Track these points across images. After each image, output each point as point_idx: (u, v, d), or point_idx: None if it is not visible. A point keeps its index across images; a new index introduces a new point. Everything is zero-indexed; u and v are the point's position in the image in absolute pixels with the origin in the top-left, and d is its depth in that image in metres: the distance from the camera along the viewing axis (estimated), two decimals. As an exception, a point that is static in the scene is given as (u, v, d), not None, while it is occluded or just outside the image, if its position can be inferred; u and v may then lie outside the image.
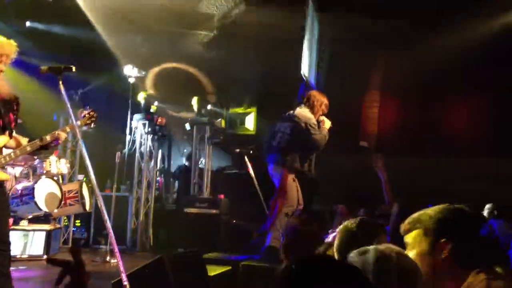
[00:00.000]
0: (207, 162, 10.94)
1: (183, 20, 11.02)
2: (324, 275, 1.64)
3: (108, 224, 4.31)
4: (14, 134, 4.55)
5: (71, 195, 8.45)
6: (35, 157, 7.92)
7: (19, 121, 4.65)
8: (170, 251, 7.99)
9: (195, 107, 10.91)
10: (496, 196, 8.45)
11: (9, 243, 4.44)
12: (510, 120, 11.24)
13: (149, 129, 10.34)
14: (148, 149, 10.41)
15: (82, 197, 8.56)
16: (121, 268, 4.06)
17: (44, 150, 5.08)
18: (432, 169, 11.49)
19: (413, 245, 2.32)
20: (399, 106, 13.06)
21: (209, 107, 10.96)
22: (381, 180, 6.28)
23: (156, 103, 10.58)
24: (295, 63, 10.15)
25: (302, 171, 6.87)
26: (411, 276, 2.05)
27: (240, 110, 11.27)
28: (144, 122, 10.31)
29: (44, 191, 7.67)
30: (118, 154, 8.87)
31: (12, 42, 4.38)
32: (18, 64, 4.42)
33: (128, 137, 10.20)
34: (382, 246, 2.13)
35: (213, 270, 5.66)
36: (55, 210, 7.93)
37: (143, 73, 10.43)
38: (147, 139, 10.40)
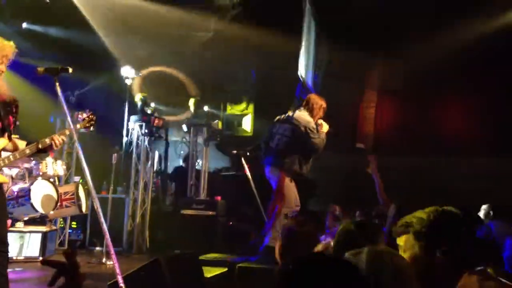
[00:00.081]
0: (204, 163, 10.92)
1: (180, 21, 11.02)
2: (323, 275, 1.63)
3: (104, 226, 4.30)
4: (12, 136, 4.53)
5: (67, 197, 8.43)
6: (31, 158, 7.90)
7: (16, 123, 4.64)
8: (167, 252, 7.98)
9: (192, 109, 10.90)
10: (495, 196, 8.47)
11: (8, 244, 4.44)
12: (508, 120, 11.26)
13: (146, 131, 10.31)
14: (144, 150, 10.39)
15: (78, 199, 8.54)
16: (117, 270, 4.05)
17: (42, 153, 5.07)
18: (430, 169, 11.51)
19: (406, 248, 2.33)
20: (396, 106, 13.08)
21: (206, 108, 10.95)
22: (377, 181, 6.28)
23: (152, 104, 10.56)
24: (292, 64, 10.17)
25: (300, 173, 6.87)
26: (404, 277, 2.05)
27: (237, 111, 11.27)
28: (141, 123, 10.29)
29: (40, 192, 7.65)
30: (114, 155, 8.85)
31: (11, 43, 4.37)
32: (14, 65, 4.40)
33: (124, 139, 10.19)
34: (375, 247, 2.13)
35: (210, 272, 5.65)
36: (51, 212, 7.91)
37: (140, 74, 10.43)
38: (144, 141, 10.38)
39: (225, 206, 9.96)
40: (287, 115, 7.12)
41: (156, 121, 10.35)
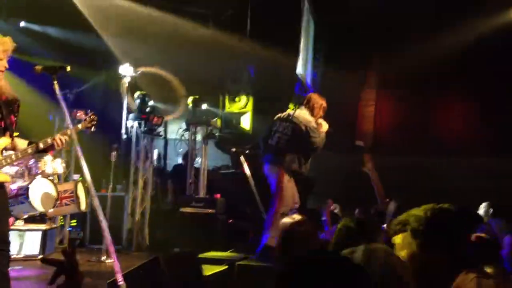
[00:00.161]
0: (203, 161, 10.92)
1: (178, 20, 11.02)
2: (323, 275, 1.62)
3: (104, 224, 4.30)
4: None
5: (66, 195, 8.42)
6: (30, 156, 7.89)
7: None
8: (166, 251, 7.99)
9: (191, 107, 10.90)
10: (495, 195, 8.48)
11: (9, 243, 4.46)
12: (508, 120, 11.27)
13: (145, 129, 10.31)
14: (143, 148, 10.39)
15: (78, 197, 8.52)
16: (117, 268, 4.05)
17: (44, 152, 5.06)
18: (429, 168, 11.53)
19: (403, 246, 2.32)
20: (396, 105, 13.09)
21: (204, 106, 10.94)
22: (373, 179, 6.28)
23: (151, 102, 10.55)
24: (292, 62, 10.17)
25: (299, 172, 6.87)
26: (398, 275, 2.05)
27: (236, 109, 11.26)
28: (140, 121, 10.29)
29: (40, 191, 7.63)
30: (113, 153, 8.84)
31: (9, 38, 4.37)
32: (11, 62, 4.39)
33: (123, 137, 10.18)
34: (370, 245, 2.13)
35: (209, 270, 5.65)
36: (51, 210, 7.89)
37: (138, 72, 10.42)
38: (143, 139, 10.38)
39: (224, 204, 9.96)
40: (287, 113, 7.12)
41: (155, 119, 10.35)
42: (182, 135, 11.33)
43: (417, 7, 11.11)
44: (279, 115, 7.20)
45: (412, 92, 12.55)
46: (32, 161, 7.98)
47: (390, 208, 5.32)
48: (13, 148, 4.52)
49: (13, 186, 7.65)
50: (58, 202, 7.99)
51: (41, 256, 8.17)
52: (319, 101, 7.01)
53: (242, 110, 11.21)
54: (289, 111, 7.23)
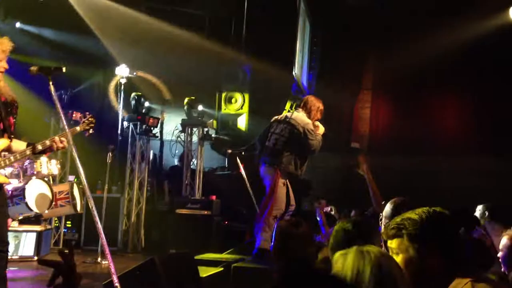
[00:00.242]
0: (199, 163, 10.91)
1: (173, 21, 11.02)
2: None
3: (99, 225, 4.29)
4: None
5: (62, 196, 8.41)
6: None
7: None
8: (162, 252, 7.98)
9: (186, 108, 10.89)
10: (491, 196, 8.49)
11: (8, 244, 4.46)
12: (505, 120, 11.31)
13: (141, 130, 10.30)
14: (139, 149, 10.37)
15: (73, 198, 8.52)
16: (112, 270, 4.04)
17: (41, 154, 5.05)
18: (425, 168, 11.54)
19: (398, 251, 2.30)
20: (392, 107, 13.11)
21: (200, 108, 10.94)
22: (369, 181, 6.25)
23: (146, 103, 10.54)
24: (288, 63, 10.17)
25: (295, 174, 6.87)
26: (393, 276, 2.05)
27: (232, 111, 11.25)
28: (136, 122, 10.27)
29: (35, 192, 7.62)
30: (109, 154, 8.83)
31: (8, 40, 4.37)
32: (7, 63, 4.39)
33: (119, 138, 10.16)
34: (363, 247, 2.12)
35: (205, 271, 5.64)
36: (46, 211, 7.89)
37: (134, 73, 10.41)
38: (139, 140, 10.36)
39: (220, 206, 9.96)
40: (285, 115, 7.12)
41: (151, 120, 10.34)
42: (178, 136, 11.32)
43: (413, 8, 11.14)
44: (276, 117, 7.20)
45: (407, 93, 12.58)
46: (27, 162, 7.96)
47: (387, 210, 5.31)
48: (12, 149, 4.50)
49: (9, 187, 7.63)
50: (54, 203, 7.98)
51: (36, 258, 8.17)
52: (316, 104, 7.01)
53: (238, 111, 11.19)
54: (286, 113, 7.22)
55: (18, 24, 10.46)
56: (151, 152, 11.12)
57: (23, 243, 8.19)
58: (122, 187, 10.21)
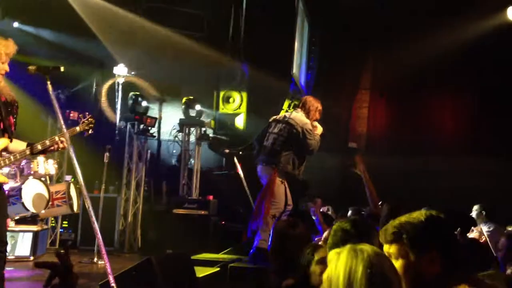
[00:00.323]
0: (196, 162, 10.91)
1: (172, 20, 11.00)
2: None
3: (96, 225, 4.28)
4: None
5: (58, 196, 8.38)
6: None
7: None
8: (159, 252, 7.96)
9: (184, 108, 10.89)
10: (489, 196, 8.51)
11: (6, 243, 4.45)
12: (503, 120, 11.31)
13: (138, 130, 10.29)
14: (136, 149, 10.36)
15: (70, 198, 8.49)
16: (109, 270, 4.03)
17: (41, 154, 5.04)
18: (423, 169, 11.54)
19: (398, 256, 2.28)
20: (390, 106, 13.11)
21: (198, 107, 10.92)
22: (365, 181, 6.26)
23: (144, 103, 10.52)
24: (286, 63, 10.17)
25: (293, 174, 6.87)
26: (384, 276, 2.03)
27: (230, 110, 11.25)
28: (133, 122, 10.26)
29: (32, 192, 7.60)
30: (106, 154, 8.81)
31: (12, 41, 4.37)
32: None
33: (116, 137, 10.14)
34: (356, 245, 2.11)
35: (202, 271, 5.63)
36: (43, 211, 7.86)
37: (133, 73, 10.40)
38: (136, 139, 10.35)
39: (217, 206, 9.95)
40: (283, 115, 7.13)
41: (148, 120, 10.33)
42: (176, 136, 11.31)
43: (411, 8, 11.14)
44: (274, 116, 7.21)
45: (407, 93, 12.59)
46: (24, 162, 7.93)
47: (384, 210, 5.31)
48: (12, 149, 4.49)
49: (5, 187, 7.60)
50: (50, 203, 7.96)
51: (32, 258, 8.15)
52: (315, 104, 7.02)
53: (236, 111, 11.19)
54: (284, 112, 7.22)
55: (16, 24, 10.43)
56: (149, 152, 11.10)
57: (19, 243, 8.17)
58: (119, 187, 10.20)
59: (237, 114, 11.24)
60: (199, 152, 11.04)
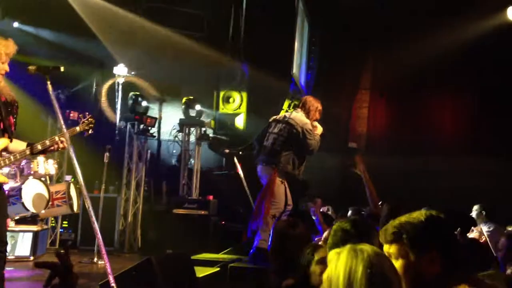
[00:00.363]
0: (196, 162, 10.91)
1: (172, 20, 11.00)
2: None
3: (96, 225, 4.28)
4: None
5: (58, 196, 8.38)
6: (24, 157, 7.85)
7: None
8: (159, 252, 7.96)
9: (184, 108, 10.89)
10: (489, 196, 8.51)
11: (6, 243, 4.45)
12: (502, 120, 11.31)
13: (138, 130, 10.29)
14: (136, 149, 10.36)
15: (70, 198, 8.49)
16: (109, 270, 4.03)
17: (41, 154, 5.04)
18: (423, 169, 11.53)
19: (398, 256, 2.28)
20: (389, 106, 13.10)
21: (198, 107, 10.92)
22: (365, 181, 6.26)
23: (144, 103, 10.52)
24: (286, 63, 10.16)
25: (293, 174, 6.87)
26: (384, 276, 2.03)
27: (230, 110, 11.25)
28: (133, 122, 10.26)
29: (32, 192, 7.59)
30: (106, 154, 8.81)
31: (12, 42, 4.37)
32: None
33: (116, 138, 10.14)
34: (356, 245, 2.11)
35: (202, 271, 5.63)
36: (43, 211, 7.86)
37: (133, 73, 10.40)
38: (136, 139, 10.35)
39: (217, 206, 9.95)
40: (283, 115, 7.13)
41: (148, 120, 10.33)
42: (176, 136, 11.31)
43: (411, 8, 11.14)
44: (274, 116, 7.21)
45: (407, 93, 12.58)
46: (24, 162, 7.93)
47: (384, 210, 5.31)
48: (12, 149, 4.49)
49: (5, 187, 7.60)
50: (50, 203, 7.96)
51: (32, 258, 8.15)
52: (315, 104, 7.02)
53: (236, 111, 11.19)
54: (284, 112, 7.22)
55: (16, 24, 10.43)
56: (149, 152, 11.10)
57: (19, 243, 8.17)
58: (119, 187, 10.20)
59: (237, 114, 11.24)
60: (199, 152, 11.03)
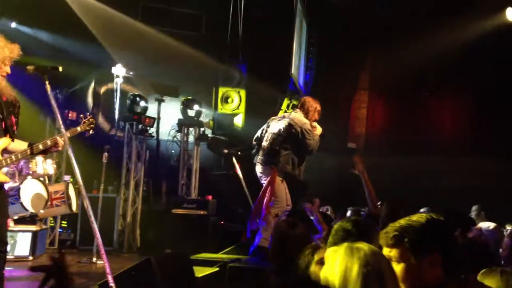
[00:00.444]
0: (195, 163, 10.90)
1: (170, 20, 11.00)
2: None
3: (95, 225, 4.27)
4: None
5: (57, 196, 8.37)
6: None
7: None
8: (158, 252, 7.95)
9: (183, 108, 10.88)
10: (488, 196, 8.51)
11: (7, 243, 4.45)
12: (502, 121, 11.31)
13: (137, 130, 10.28)
14: (135, 149, 10.35)
15: (69, 198, 8.48)
16: (108, 270, 4.02)
17: (42, 154, 5.04)
18: (422, 169, 11.53)
19: (400, 259, 2.26)
20: (388, 107, 13.11)
21: (196, 107, 10.92)
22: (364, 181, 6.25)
23: (143, 103, 10.50)
24: (285, 62, 10.15)
25: (293, 174, 6.86)
26: (379, 275, 2.02)
27: (228, 111, 11.23)
28: (132, 122, 10.25)
29: (30, 191, 7.58)
30: (105, 154, 8.80)
31: (17, 46, 4.38)
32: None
33: (115, 138, 10.13)
34: (353, 244, 2.10)
35: (201, 271, 5.62)
36: (41, 211, 7.85)
37: (131, 73, 10.39)
38: (135, 140, 10.34)
39: (216, 206, 9.94)
40: (282, 115, 7.13)
41: (147, 120, 10.32)
42: (174, 136, 11.30)
43: (410, 8, 11.14)
44: (273, 117, 7.21)
45: (406, 93, 12.59)
46: (23, 162, 7.92)
47: (383, 210, 5.30)
48: (13, 149, 4.48)
49: (5, 187, 7.59)
50: (49, 203, 7.95)
51: (31, 258, 8.14)
52: (314, 104, 7.02)
53: (235, 111, 11.17)
54: (283, 112, 7.22)
55: (13, 24, 10.41)
56: (147, 152, 11.10)
57: (18, 243, 8.16)
58: (118, 187, 10.19)
59: (236, 114, 11.22)
60: (198, 152, 11.03)
